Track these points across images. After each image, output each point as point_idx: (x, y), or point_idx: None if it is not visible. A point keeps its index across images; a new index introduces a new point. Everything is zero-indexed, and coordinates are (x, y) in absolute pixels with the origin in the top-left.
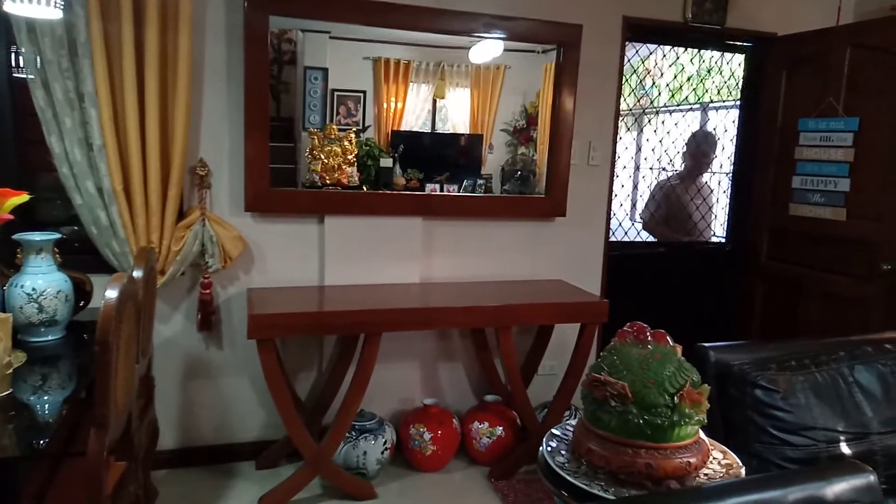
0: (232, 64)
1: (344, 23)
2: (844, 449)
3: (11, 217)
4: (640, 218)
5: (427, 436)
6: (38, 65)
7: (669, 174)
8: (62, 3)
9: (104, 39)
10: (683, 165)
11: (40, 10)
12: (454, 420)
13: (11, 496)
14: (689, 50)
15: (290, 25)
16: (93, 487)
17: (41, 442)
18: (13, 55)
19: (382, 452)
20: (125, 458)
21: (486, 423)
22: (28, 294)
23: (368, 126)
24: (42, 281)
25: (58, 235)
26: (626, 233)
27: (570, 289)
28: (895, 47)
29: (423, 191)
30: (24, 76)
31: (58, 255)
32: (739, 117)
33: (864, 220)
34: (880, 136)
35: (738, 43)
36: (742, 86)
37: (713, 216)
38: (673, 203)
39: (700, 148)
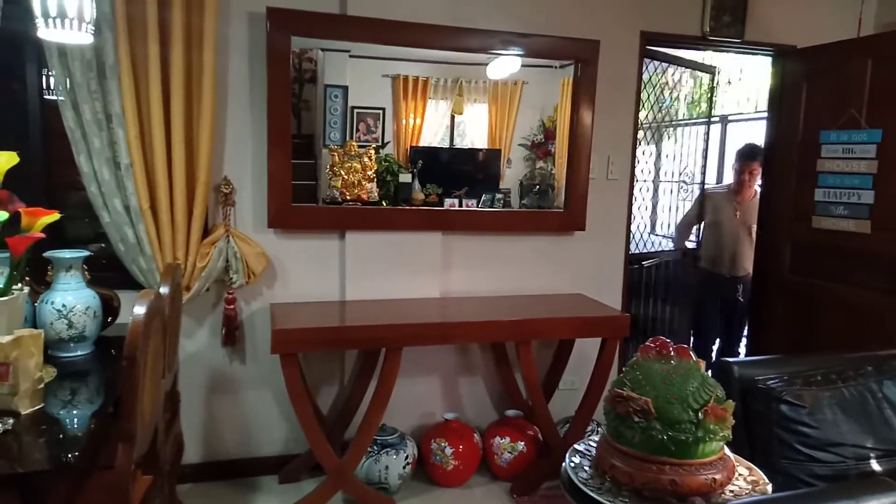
0: (255, 83)
1: (363, 42)
2: (874, 466)
3: (43, 236)
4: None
5: (448, 451)
6: (68, 87)
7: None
8: (93, 28)
9: (131, 61)
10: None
11: (73, 36)
12: (475, 435)
13: None
14: (707, 61)
15: (311, 45)
16: (120, 500)
17: (70, 456)
18: (44, 78)
19: (404, 467)
20: (151, 471)
21: (508, 438)
22: (58, 310)
23: (388, 142)
24: (72, 297)
25: (87, 253)
26: (644, 245)
27: (590, 303)
28: None
29: (442, 206)
30: (54, 98)
31: (86, 272)
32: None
33: (889, 233)
34: None
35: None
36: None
37: (746, 242)
38: (710, 209)
39: (742, 164)
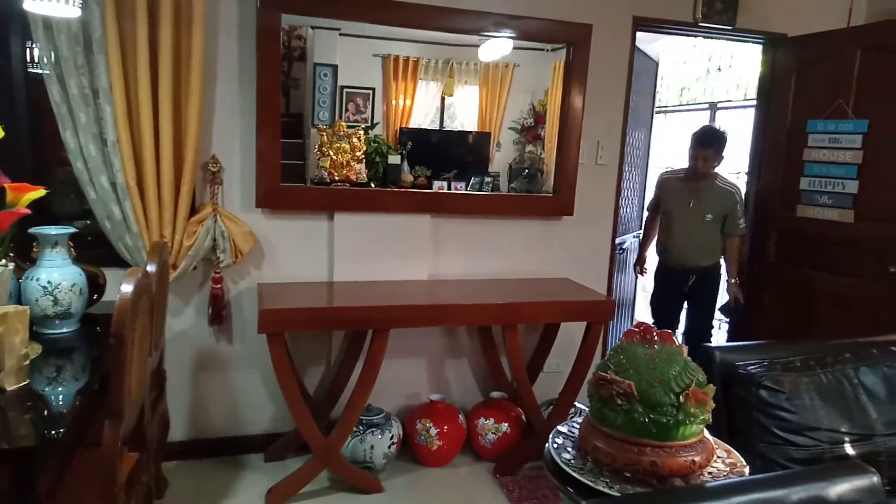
0: (244, 61)
1: (354, 21)
2: (848, 450)
3: (29, 211)
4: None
5: (433, 431)
6: (54, 61)
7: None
8: (80, 1)
9: (119, 36)
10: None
11: (60, 9)
12: (460, 416)
13: (28, 485)
14: (699, 47)
15: (301, 22)
16: (107, 477)
17: (56, 432)
18: (29, 50)
19: (389, 447)
20: (138, 449)
21: (492, 420)
22: (44, 287)
23: (377, 123)
24: (57, 274)
25: (73, 229)
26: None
27: (576, 287)
28: None
29: (431, 188)
30: (39, 71)
31: (72, 249)
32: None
33: (872, 223)
34: (890, 137)
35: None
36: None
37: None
38: (663, 196)
39: (693, 148)
